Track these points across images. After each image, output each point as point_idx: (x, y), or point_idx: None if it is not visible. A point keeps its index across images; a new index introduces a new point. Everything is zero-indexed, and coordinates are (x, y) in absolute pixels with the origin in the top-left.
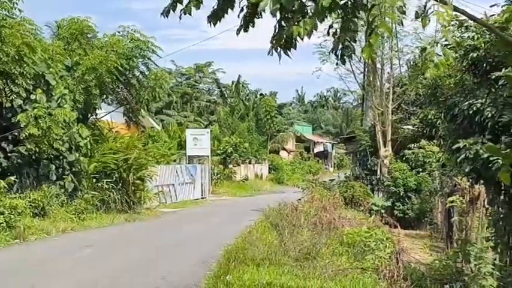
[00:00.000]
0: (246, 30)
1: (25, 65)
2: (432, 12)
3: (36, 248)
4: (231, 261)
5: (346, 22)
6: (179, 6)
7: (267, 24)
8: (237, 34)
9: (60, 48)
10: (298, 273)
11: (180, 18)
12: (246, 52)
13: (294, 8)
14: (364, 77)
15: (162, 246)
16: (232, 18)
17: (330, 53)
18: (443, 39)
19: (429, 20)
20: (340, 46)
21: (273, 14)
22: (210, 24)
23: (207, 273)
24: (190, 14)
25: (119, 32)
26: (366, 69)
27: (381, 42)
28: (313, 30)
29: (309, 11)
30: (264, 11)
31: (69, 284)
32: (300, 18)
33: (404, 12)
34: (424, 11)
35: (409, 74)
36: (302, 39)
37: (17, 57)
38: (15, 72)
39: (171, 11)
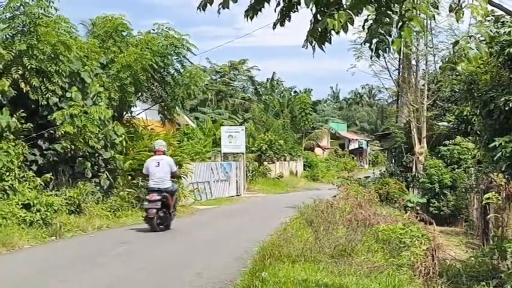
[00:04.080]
0: (282, 25)
1: (61, 63)
2: (466, 5)
3: (72, 244)
4: (266, 258)
5: (380, 14)
6: (215, 1)
7: (303, 20)
8: (274, 28)
9: (95, 46)
10: (334, 270)
11: (219, 12)
12: (281, 49)
13: (329, 0)
14: (398, 74)
15: (196, 243)
16: (268, 13)
17: (362, 45)
18: (478, 33)
19: (463, 14)
20: (373, 38)
21: (307, 5)
22: (247, 19)
23: (242, 270)
24: (228, 8)
25: (153, 30)
26: (401, 66)
27: (414, 37)
28: (349, 25)
29: (344, 3)
30: (299, 4)
31: (104, 280)
32: (335, 10)
33: (437, 7)
34: (458, 4)
35: (441, 66)
36: (337, 32)
37: (52, 56)
38: (51, 70)
39: (208, 5)
